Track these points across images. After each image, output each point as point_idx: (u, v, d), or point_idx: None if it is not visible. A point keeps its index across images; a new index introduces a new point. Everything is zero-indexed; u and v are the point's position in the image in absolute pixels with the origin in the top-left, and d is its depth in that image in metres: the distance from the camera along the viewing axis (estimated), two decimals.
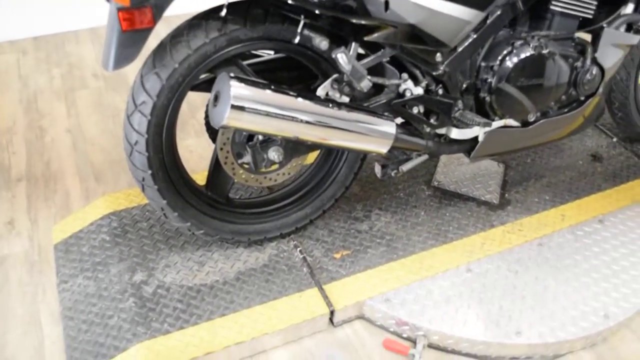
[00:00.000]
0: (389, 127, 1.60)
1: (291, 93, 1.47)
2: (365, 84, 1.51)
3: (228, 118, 1.38)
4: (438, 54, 1.63)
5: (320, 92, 1.55)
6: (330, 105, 1.51)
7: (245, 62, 1.67)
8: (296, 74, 1.76)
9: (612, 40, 1.88)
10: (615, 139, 2.51)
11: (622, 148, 2.47)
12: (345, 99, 1.58)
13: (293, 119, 1.46)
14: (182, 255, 1.85)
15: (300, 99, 1.47)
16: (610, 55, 1.90)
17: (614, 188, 2.24)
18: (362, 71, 1.50)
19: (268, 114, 1.42)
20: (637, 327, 1.84)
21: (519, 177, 2.24)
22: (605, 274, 1.89)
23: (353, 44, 1.53)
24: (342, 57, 1.46)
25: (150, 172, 1.59)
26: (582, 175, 2.29)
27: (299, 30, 1.48)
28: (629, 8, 1.91)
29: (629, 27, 1.95)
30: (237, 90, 1.37)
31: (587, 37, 1.92)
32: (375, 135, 1.58)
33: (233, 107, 1.37)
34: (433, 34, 1.56)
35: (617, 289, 1.84)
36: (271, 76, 1.72)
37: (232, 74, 1.40)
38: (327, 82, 1.55)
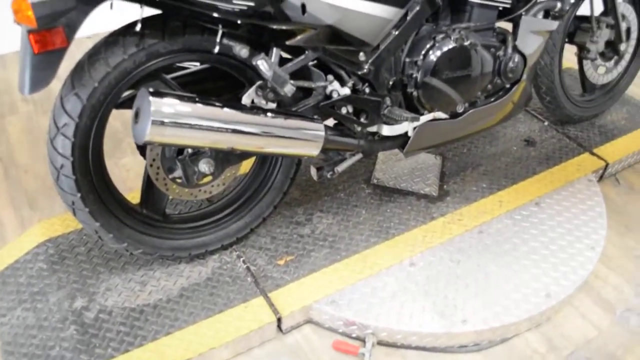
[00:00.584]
0: (318, 129, 1.60)
1: (215, 103, 1.46)
2: (289, 88, 1.50)
3: (149, 134, 1.36)
4: (361, 53, 1.64)
5: (245, 100, 1.54)
6: (256, 112, 1.50)
7: (170, 75, 1.65)
8: (224, 84, 1.74)
9: (531, 28, 1.92)
10: (546, 123, 2.59)
11: (553, 131, 2.54)
12: (272, 105, 1.58)
13: (217, 129, 1.45)
14: (123, 277, 1.81)
15: (224, 109, 1.46)
16: (531, 42, 1.94)
17: (548, 170, 2.31)
18: (284, 76, 1.49)
19: (191, 127, 1.40)
20: (579, 303, 1.90)
21: (456, 168, 2.28)
22: (544, 255, 1.93)
23: (274, 49, 1.52)
24: (262, 64, 1.46)
25: (79, 195, 1.55)
26: (517, 161, 2.34)
27: (218, 40, 1.46)
28: None
29: (547, 14, 2.01)
30: (156, 105, 1.35)
31: (509, 26, 1.96)
32: (304, 138, 1.58)
33: (154, 122, 1.34)
34: (354, 34, 1.58)
35: (556, 268, 1.89)
36: (198, 87, 1.70)
37: (151, 89, 1.38)
38: (252, 90, 1.54)
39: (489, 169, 2.29)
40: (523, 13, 1.92)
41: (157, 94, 1.38)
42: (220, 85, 1.74)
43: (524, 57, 1.95)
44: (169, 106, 1.37)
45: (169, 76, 1.64)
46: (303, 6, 1.44)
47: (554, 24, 1.99)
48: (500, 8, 1.89)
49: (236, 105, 1.51)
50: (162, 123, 1.36)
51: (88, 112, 1.47)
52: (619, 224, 2.22)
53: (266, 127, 1.51)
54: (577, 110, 2.53)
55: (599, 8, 2.33)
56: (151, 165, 1.62)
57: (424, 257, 1.90)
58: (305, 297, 1.75)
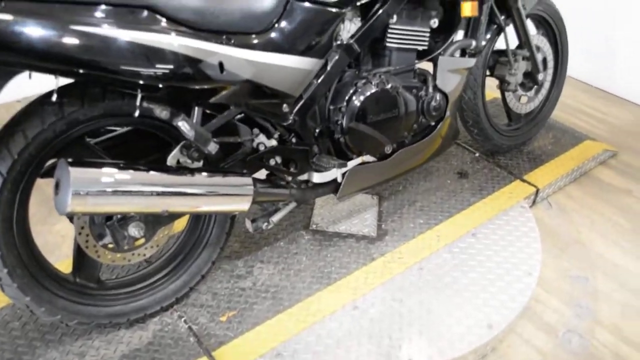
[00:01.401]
0: (246, 184, 1.61)
1: (139, 167, 1.45)
2: (212, 147, 1.51)
3: (70, 205, 1.33)
4: (284, 105, 1.66)
5: (171, 160, 1.54)
6: (181, 173, 1.50)
7: (95, 140, 1.63)
8: (151, 143, 1.73)
9: (449, 67, 2.00)
10: (477, 154, 2.67)
11: (485, 161, 2.62)
12: (198, 164, 1.57)
13: (142, 194, 1.43)
14: (60, 350, 1.75)
15: (149, 172, 1.45)
16: (450, 81, 2.02)
17: (482, 201, 2.37)
18: (207, 135, 1.50)
19: (114, 194, 1.39)
20: (521, 330, 1.93)
21: (393, 206, 2.32)
22: (483, 285, 1.97)
23: (196, 108, 1.53)
24: (183, 125, 1.46)
25: (5, 270, 1.50)
26: (452, 194, 2.40)
27: (137, 104, 1.46)
28: (460, 34, 2.05)
29: (464, 52, 2.09)
30: (76, 175, 1.33)
31: (430, 65, 2.03)
32: (233, 194, 1.58)
33: (74, 193, 1.32)
34: (275, 87, 1.60)
35: (495, 297, 1.93)
36: (125, 149, 1.68)
37: (70, 159, 1.36)
38: (176, 150, 1.54)
39: (425, 204, 2.33)
40: (441, 53, 1.99)
41: (77, 163, 1.36)
42: (148, 144, 1.73)
43: (445, 95, 2.01)
44: (90, 175, 1.36)
45: (94, 140, 1.63)
46: (221, 64, 1.46)
47: (471, 62, 2.07)
48: (419, 49, 1.96)
49: (160, 167, 1.50)
50: (83, 193, 1.34)
51: (9, 186, 1.43)
52: (554, 246, 2.29)
53: (193, 187, 1.51)
54: (505, 139, 2.62)
55: (514, 42, 2.44)
56: (80, 234, 1.59)
57: (366, 299, 1.91)
58: (249, 352, 1.72)
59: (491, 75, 2.51)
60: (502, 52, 2.43)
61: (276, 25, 1.58)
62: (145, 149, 1.73)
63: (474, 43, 2.06)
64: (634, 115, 3.50)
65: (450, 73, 2.00)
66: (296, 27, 1.61)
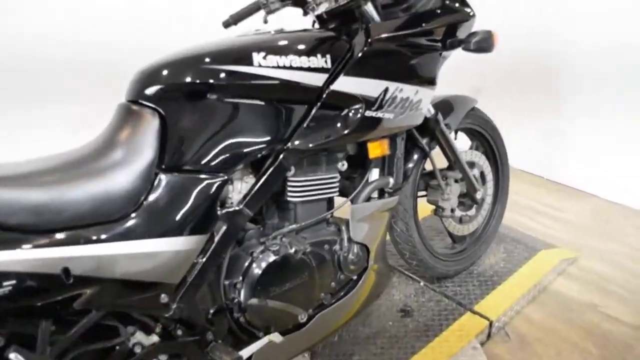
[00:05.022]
0: None
1: None
2: None
3: None
4: (162, 295, 1.39)
5: None
6: None
7: None
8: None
9: (364, 214, 1.76)
10: (422, 283, 2.41)
11: (430, 291, 2.36)
12: None
13: None
14: None
15: None
16: (367, 229, 1.78)
17: (428, 345, 2.08)
18: None
19: None
20: None
21: None
22: None
23: (44, 323, 1.26)
24: (16, 357, 1.19)
25: None
26: (394, 340, 2.11)
27: None
28: (374, 173, 1.83)
29: (382, 192, 1.87)
30: None
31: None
32: None
33: None
34: (146, 279, 1.34)
35: None
36: None
37: None
38: None
39: (364, 356, 2.03)
40: (352, 201, 1.76)
41: None
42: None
43: (364, 244, 1.78)
44: None
45: None
46: (66, 271, 1.21)
47: (391, 202, 1.85)
48: (330, 197, 1.73)
49: None
50: None
51: None
52: None
53: None
54: (449, 264, 2.38)
55: (443, 163, 2.25)
56: None
57: None
58: None
59: (424, 196, 2.30)
60: (433, 174, 2.23)
61: (142, 206, 1.34)
62: None
63: (391, 181, 1.83)
64: (591, 207, 3.32)
65: (367, 221, 1.77)
66: (168, 205, 1.37)
